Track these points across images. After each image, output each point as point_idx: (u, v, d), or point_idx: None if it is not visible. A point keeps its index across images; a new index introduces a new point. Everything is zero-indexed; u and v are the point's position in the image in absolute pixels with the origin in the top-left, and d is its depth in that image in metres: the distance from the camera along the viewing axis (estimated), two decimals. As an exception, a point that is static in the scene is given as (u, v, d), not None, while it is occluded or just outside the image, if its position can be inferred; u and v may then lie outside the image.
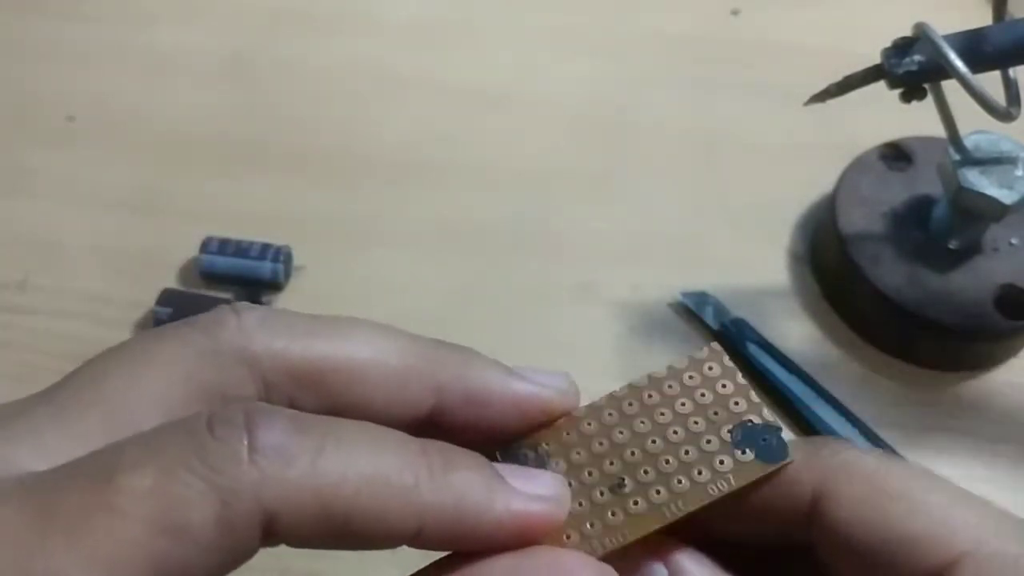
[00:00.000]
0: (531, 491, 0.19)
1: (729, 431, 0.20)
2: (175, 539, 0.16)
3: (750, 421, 0.20)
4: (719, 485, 0.19)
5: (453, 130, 0.55)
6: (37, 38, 0.60)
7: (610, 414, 0.21)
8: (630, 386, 0.21)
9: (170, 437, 0.17)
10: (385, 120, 0.56)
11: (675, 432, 0.20)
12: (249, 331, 0.20)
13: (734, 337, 0.46)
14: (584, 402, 0.22)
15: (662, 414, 0.21)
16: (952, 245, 0.46)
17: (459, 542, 0.19)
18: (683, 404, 0.20)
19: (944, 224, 0.46)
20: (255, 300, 0.48)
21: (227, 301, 0.46)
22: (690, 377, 0.21)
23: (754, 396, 0.20)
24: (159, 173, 0.53)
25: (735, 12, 0.61)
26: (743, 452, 0.19)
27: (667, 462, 0.20)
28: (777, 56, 0.58)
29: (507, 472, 0.20)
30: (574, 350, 0.46)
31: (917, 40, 0.39)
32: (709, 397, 0.20)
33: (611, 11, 0.61)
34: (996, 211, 0.43)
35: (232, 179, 0.53)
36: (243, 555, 0.17)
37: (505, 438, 0.21)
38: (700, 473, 0.19)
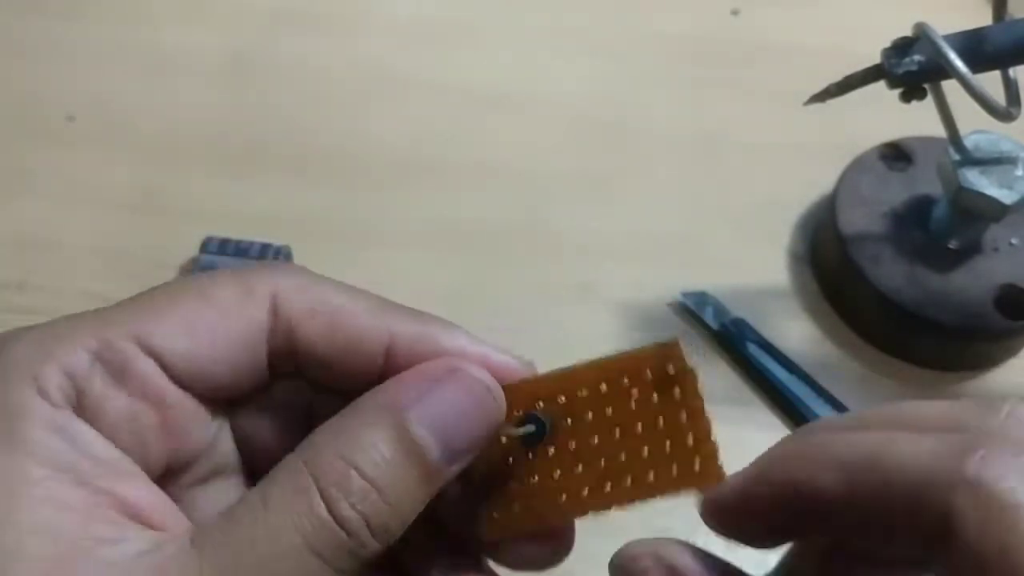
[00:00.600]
0: (500, 351, 0.23)
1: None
2: (205, 303, 0.22)
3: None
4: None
5: (453, 130, 0.55)
6: (37, 38, 0.60)
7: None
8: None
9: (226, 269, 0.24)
10: (385, 120, 0.56)
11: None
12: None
13: (734, 337, 0.46)
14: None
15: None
16: (952, 245, 0.46)
17: (425, 357, 0.22)
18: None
19: (944, 224, 0.46)
20: (255, 300, 0.48)
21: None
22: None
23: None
24: (159, 173, 0.53)
25: (735, 12, 0.61)
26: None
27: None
28: (777, 56, 0.58)
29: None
30: (574, 350, 0.46)
31: (917, 40, 0.39)
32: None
33: (611, 11, 0.61)
34: (996, 211, 0.43)
35: (232, 179, 0.53)
36: (255, 325, 0.22)
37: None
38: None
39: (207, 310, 0.22)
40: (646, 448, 0.21)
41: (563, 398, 0.22)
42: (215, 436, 0.24)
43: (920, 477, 0.18)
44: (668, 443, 0.20)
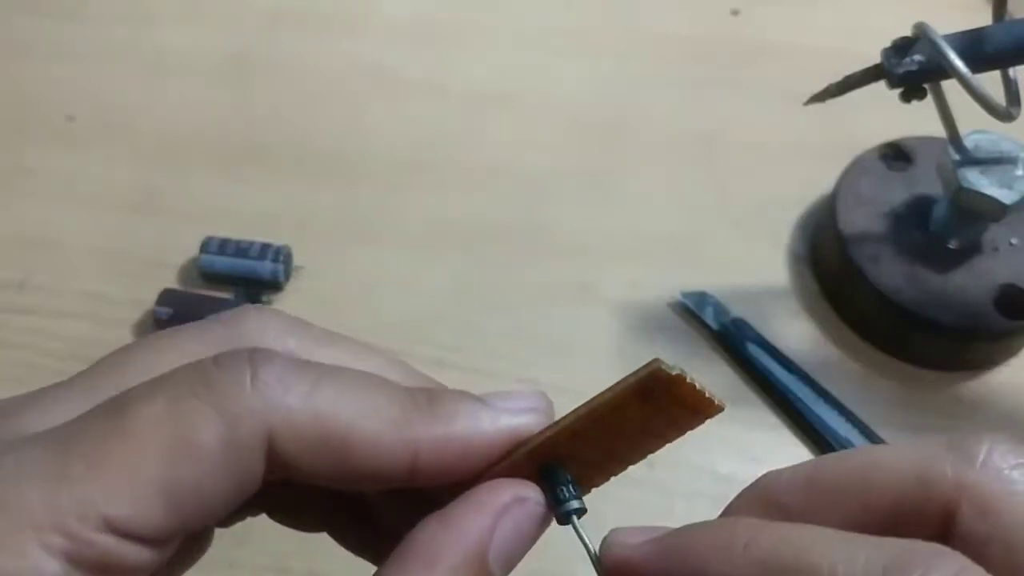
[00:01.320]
0: (516, 406, 0.21)
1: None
2: (186, 459, 0.18)
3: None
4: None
5: (453, 130, 0.55)
6: (37, 38, 0.60)
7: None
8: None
9: (178, 373, 0.19)
10: (385, 120, 0.56)
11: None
12: (269, 332, 0.21)
13: (734, 337, 0.46)
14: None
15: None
16: (952, 245, 0.46)
17: (455, 468, 0.20)
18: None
19: (944, 224, 0.46)
20: (255, 300, 0.48)
21: (227, 301, 0.46)
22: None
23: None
24: (159, 173, 0.53)
25: (735, 12, 0.61)
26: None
27: None
28: (777, 56, 0.58)
29: (490, 397, 0.21)
30: (574, 350, 0.46)
31: (917, 40, 0.39)
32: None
33: (611, 11, 0.61)
34: (996, 211, 0.43)
35: (232, 179, 0.53)
36: (249, 479, 0.18)
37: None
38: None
39: (189, 472, 0.18)
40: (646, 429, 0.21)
41: (565, 449, 0.22)
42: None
43: None
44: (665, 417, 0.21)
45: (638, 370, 0.20)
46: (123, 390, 0.19)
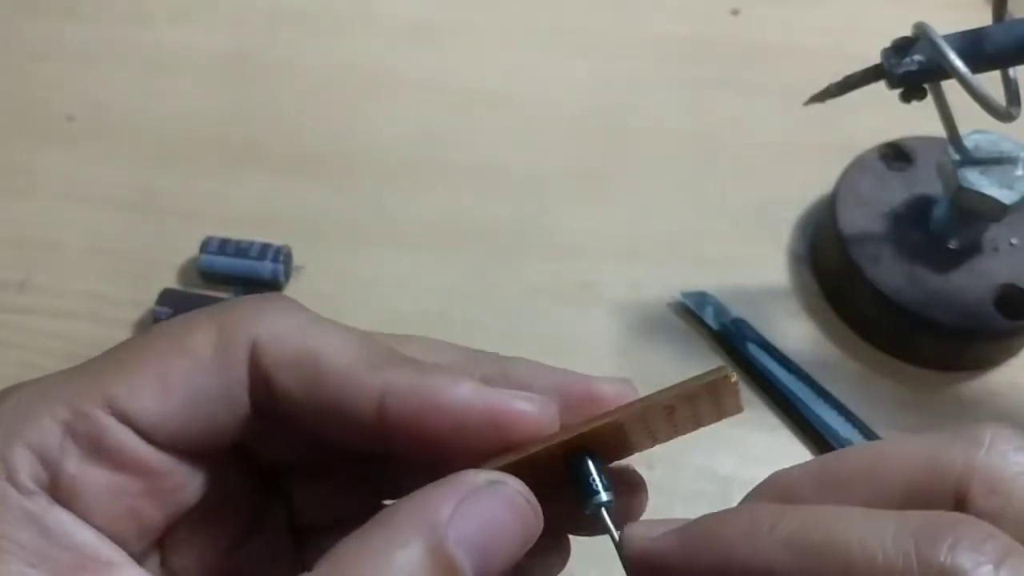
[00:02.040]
0: (514, 393, 0.20)
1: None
2: (179, 354, 0.20)
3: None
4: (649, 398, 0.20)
5: (453, 130, 0.55)
6: (37, 38, 0.60)
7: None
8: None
9: (207, 308, 0.22)
10: (385, 120, 0.56)
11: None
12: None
13: (734, 337, 0.46)
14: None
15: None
16: (952, 245, 0.46)
17: (424, 425, 0.20)
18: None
19: (944, 224, 0.46)
20: (255, 300, 0.48)
21: (227, 301, 0.46)
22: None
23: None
24: (159, 173, 0.53)
25: (735, 12, 0.61)
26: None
27: None
28: (777, 56, 0.58)
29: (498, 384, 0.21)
30: (574, 350, 0.46)
31: (917, 40, 0.39)
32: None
33: (611, 11, 0.61)
34: (996, 211, 0.43)
35: (232, 179, 0.53)
36: (236, 386, 0.20)
37: (469, 453, 0.21)
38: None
39: (181, 365, 0.20)
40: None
41: (596, 441, 0.21)
42: (215, 483, 0.22)
43: (881, 567, 0.16)
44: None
45: (705, 374, 0.20)
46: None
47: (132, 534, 0.21)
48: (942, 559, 0.16)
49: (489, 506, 0.19)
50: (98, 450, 0.20)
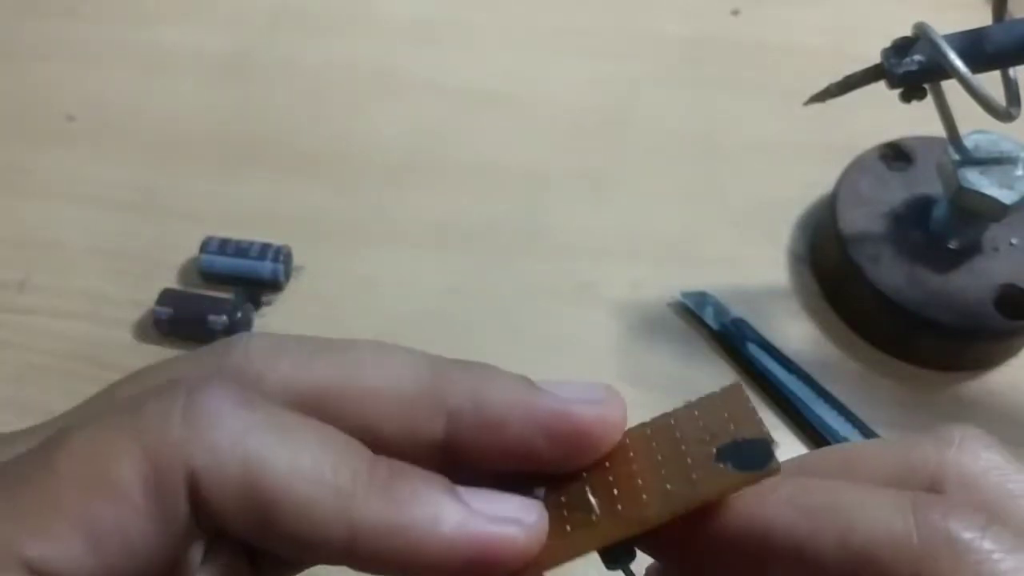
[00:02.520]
0: (494, 513, 0.18)
1: (717, 448, 0.19)
2: (104, 496, 0.16)
3: (742, 438, 0.19)
4: (694, 492, 0.18)
5: (453, 130, 0.55)
6: (37, 38, 0.60)
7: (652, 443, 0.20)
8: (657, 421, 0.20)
9: (115, 405, 0.17)
10: (385, 120, 0.56)
11: (677, 452, 0.19)
12: (255, 357, 0.19)
13: (734, 337, 0.46)
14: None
15: (677, 438, 0.20)
16: (952, 245, 0.46)
17: (401, 562, 0.17)
18: (695, 430, 0.20)
19: (944, 224, 0.46)
20: (255, 300, 0.48)
21: (227, 301, 0.46)
22: (707, 410, 0.20)
23: (756, 418, 0.19)
24: (159, 173, 0.53)
25: (735, 12, 0.61)
26: (723, 465, 0.18)
27: (661, 474, 0.19)
28: (777, 56, 0.58)
29: (469, 493, 0.18)
30: (574, 350, 0.46)
31: (917, 40, 0.39)
32: (715, 425, 0.19)
33: (611, 11, 0.61)
34: (996, 211, 0.43)
35: (232, 179, 0.53)
36: (175, 522, 0.16)
37: (543, 466, 0.19)
38: (682, 483, 0.19)
39: (109, 510, 0.16)
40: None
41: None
42: None
43: (882, 534, 0.17)
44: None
45: (724, 389, 0.20)
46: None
47: None
48: (938, 522, 0.17)
49: None
50: None
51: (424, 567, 0.17)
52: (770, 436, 0.18)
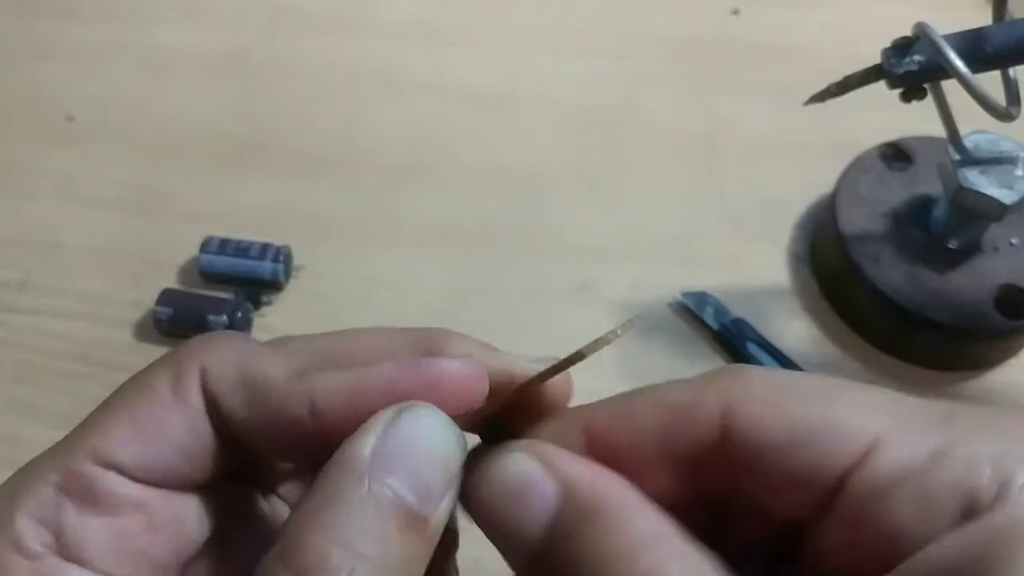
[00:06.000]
0: (433, 358, 0.21)
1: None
2: (144, 397, 0.22)
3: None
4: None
5: (453, 130, 0.55)
6: (37, 38, 0.60)
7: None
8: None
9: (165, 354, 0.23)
10: (385, 120, 0.56)
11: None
12: (266, 340, 0.24)
13: (734, 337, 0.46)
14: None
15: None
16: (952, 245, 0.46)
17: (355, 408, 0.20)
18: None
19: (944, 224, 0.46)
20: (255, 300, 0.48)
21: (227, 301, 0.46)
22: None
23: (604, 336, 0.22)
24: (159, 173, 0.53)
25: (735, 12, 0.61)
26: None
27: None
28: (777, 56, 0.58)
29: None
30: (574, 350, 0.46)
31: (917, 40, 0.39)
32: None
33: (611, 11, 0.61)
34: (996, 211, 0.43)
35: (232, 179, 0.53)
36: (194, 411, 0.22)
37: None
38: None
39: (148, 406, 0.22)
40: None
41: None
42: (218, 511, 0.23)
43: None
44: None
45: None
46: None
47: None
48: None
49: (405, 430, 0.20)
50: (92, 499, 0.21)
51: (377, 406, 0.20)
52: (599, 340, 0.22)
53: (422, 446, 0.20)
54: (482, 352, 0.22)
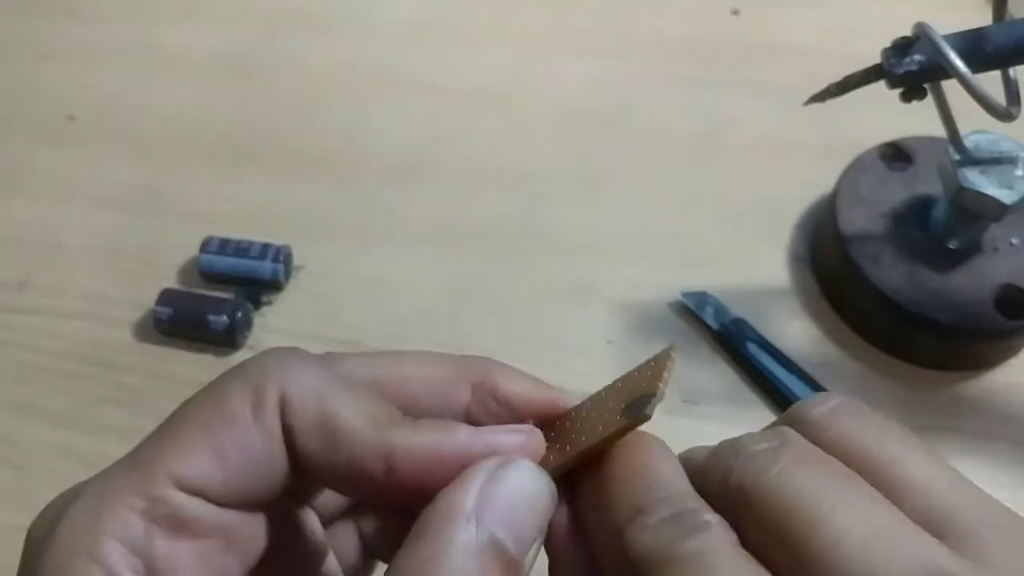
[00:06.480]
0: (500, 430, 0.23)
1: (626, 404, 0.22)
2: (224, 421, 0.22)
3: (642, 394, 0.22)
4: (596, 433, 0.23)
5: (453, 130, 0.55)
6: (37, 38, 0.60)
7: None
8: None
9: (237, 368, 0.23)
10: (385, 120, 0.56)
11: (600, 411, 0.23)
12: (323, 358, 0.24)
13: (734, 337, 0.46)
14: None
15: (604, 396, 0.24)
16: (952, 245, 0.46)
17: (431, 473, 0.22)
18: (623, 391, 0.23)
19: (944, 224, 0.46)
20: (255, 300, 0.48)
21: (227, 301, 0.46)
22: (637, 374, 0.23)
23: (661, 376, 0.22)
24: (159, 173, 0.53)
25: (735, 12, 0.61)
26: (620, 417, 0.22)
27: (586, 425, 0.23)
28: (777, 56, 0.58)
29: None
30: (574, 349, 0.46)
31: (917, 40, 0.39)
32: (635, 386, 0.23)
33: (611, 11, 0.61)
34: (996, 211, 0.43)
35: (232, 179, 0.53)
36: (274, 439, 0.22)
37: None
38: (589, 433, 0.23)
39: (229, 431, 0.22)
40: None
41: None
42: (282, 526, 0.24)
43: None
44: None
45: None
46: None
47: None
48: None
49: (507, 481, 0.21)
50: (179, 526, 0.21)
51: (449, 471, 0.22)
52: (657, 391, 0.22)
53: (523, 496, 0.21)
54: (533, 390, 0.24)
